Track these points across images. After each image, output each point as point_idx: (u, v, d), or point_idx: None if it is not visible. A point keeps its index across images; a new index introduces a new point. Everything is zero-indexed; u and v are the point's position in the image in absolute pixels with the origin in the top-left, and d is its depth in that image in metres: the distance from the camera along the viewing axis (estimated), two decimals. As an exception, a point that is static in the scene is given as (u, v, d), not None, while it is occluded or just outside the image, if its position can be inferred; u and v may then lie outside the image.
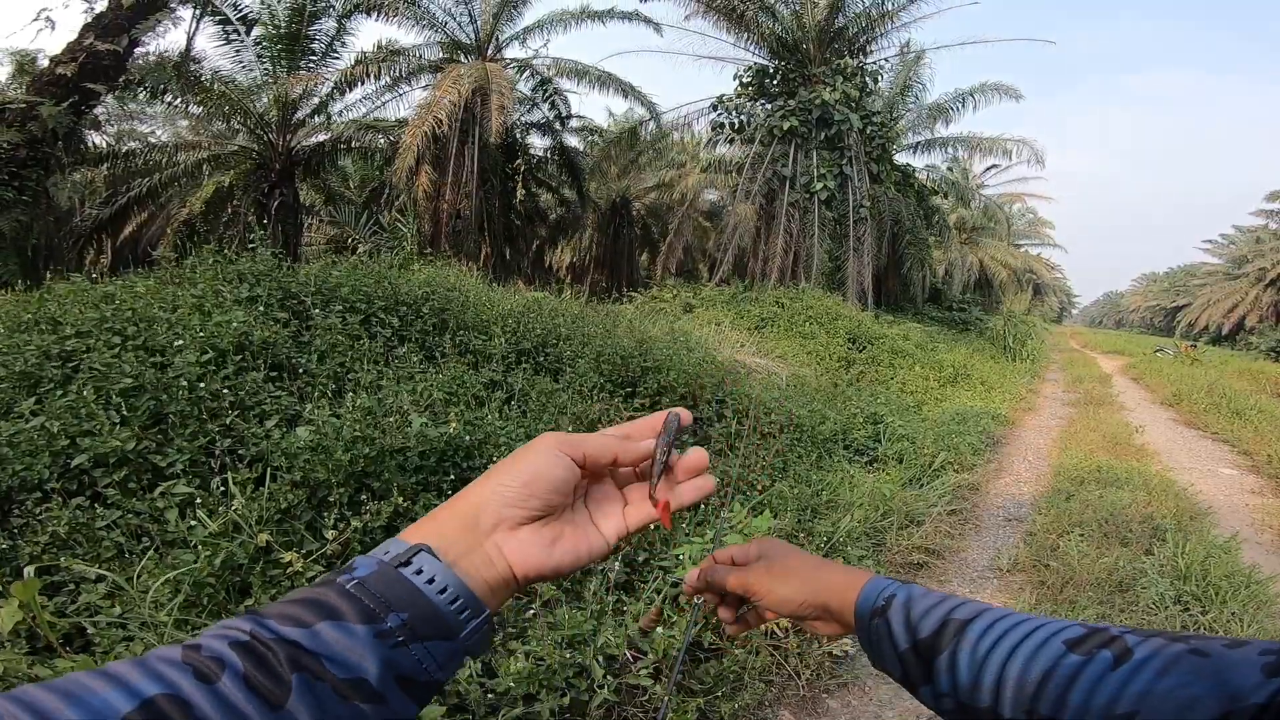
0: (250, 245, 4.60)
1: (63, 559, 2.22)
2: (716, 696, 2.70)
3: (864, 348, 11.71)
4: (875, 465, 6.07)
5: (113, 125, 16.60)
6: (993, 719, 0.52)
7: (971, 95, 18.74)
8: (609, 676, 2.50)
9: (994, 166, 29.87)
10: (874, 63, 17.35)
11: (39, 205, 10.79)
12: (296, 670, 0.37)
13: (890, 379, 10.36)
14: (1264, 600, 3.78)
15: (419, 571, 0.43)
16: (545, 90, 17.22)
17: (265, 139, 14.62)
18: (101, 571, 2.07)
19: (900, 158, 19.53)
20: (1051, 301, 58.25)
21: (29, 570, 1.60)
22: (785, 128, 15.64)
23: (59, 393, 2.87)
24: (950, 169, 24.97)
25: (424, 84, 15.73)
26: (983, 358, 15.23)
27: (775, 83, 16.70)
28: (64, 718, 0.30)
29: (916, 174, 19.96)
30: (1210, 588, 3.87)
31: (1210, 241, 53.14)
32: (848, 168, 15.83)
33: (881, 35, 16.70)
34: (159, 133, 18.61)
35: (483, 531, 0.47)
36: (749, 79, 16.87)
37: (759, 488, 4.34)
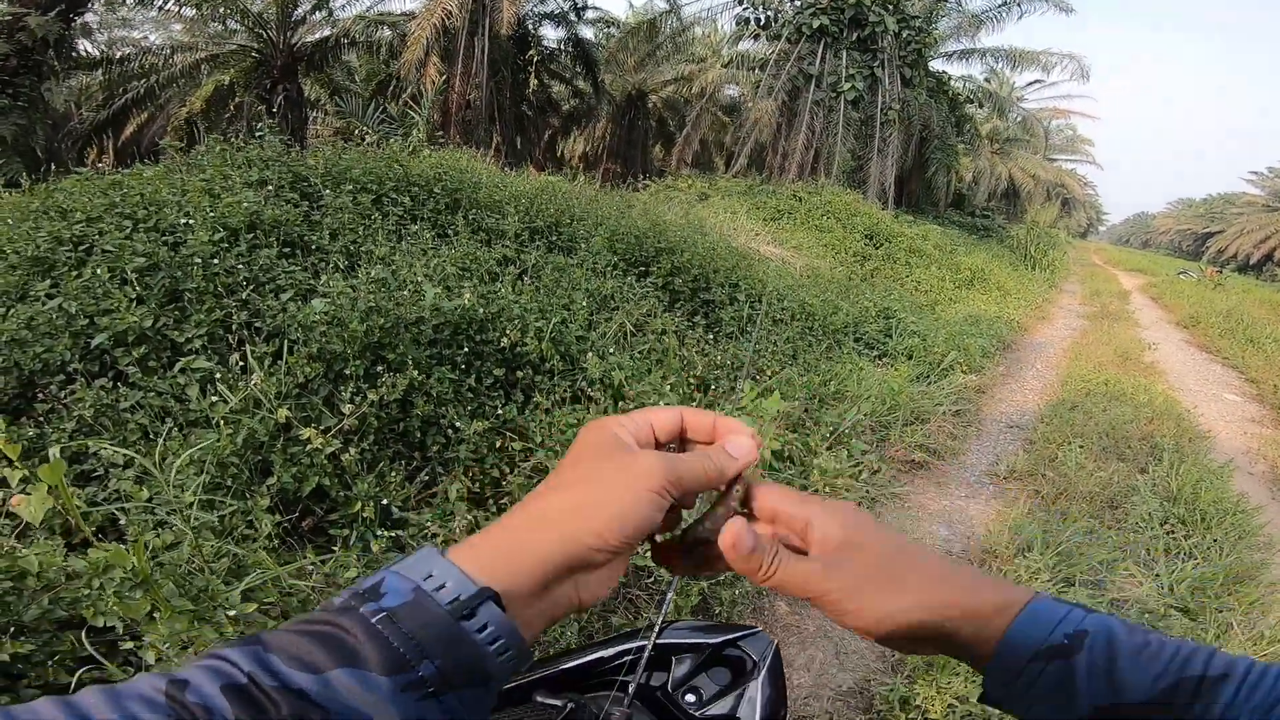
0: (258, 134, 4.50)
1: (91, 443, 2.23)
2: (718, 583, 2.84)
3: (881, 245, 11.53)
4: (884, 360, 6.11)
5: (103, 33, 16.02)
6: None
7: (1018, 4, 17.41)
8: (617, 555, 2.61)
9: (1037, 81, 28.38)
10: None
11: (36, 110, 10.83)
12: None
13: (905, 277, 10.26)
14: (1246, 530, 3.83)
15: (483, 628, 0.37)
16: (561, -21, 16.15)
17: (265, 37, 14.16)
18: (129, 454, 2.09)
19: (937, 65, 18.46)
20: (1079, 217, 56.37)
21: (54, 452, 1.60)
22: (815, 26, 14.84)
23: (74, 274, 2.89)
24: (989, 80, 23.58)
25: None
26: (1001, 264, 14.97)
27: (807, -21, 15.57)
28: None
29: (952, 82, 18.91)
30: (1197, 512, 3.93)
31: (1256, 173, 50.98)
32: (879, 70, 15.08)
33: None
34: (151, 37, 17.89)
35: (567, 573, 0.41)
36: (780, -26, 15.77)
37: (769, 372, 4.38)
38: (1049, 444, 4.94)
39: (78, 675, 1.68)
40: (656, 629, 1.06)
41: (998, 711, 2.22)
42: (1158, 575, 3.32)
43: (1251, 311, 13.52)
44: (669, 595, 1.20)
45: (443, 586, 0.37)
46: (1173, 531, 3.81)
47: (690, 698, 1.04)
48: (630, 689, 0.96)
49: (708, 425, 0.50)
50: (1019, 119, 28.14)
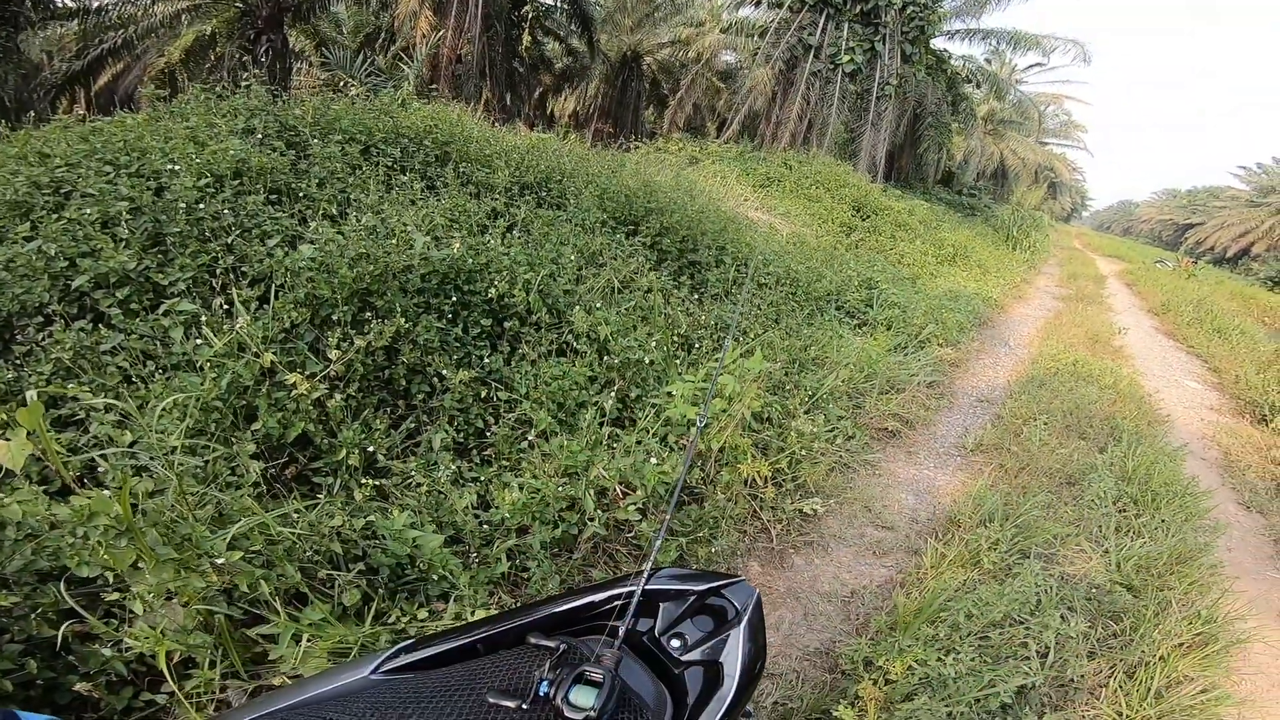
0: (245, 84, 4.38)
1: (69, 387, 2.20)
2: (695, 539, 2.91)
3: (867, 217, 11.58)
4: (864, 329, 6.21)
5: None
6: None
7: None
8: (599, 510, 2.68)
9: (1038, 65, 28.19)
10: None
11: (10, 60, 10.49)
12: None
13: (890, 249, 10.33)
14: (1193, 513, 3.96)
15: None
16: (560, -64, 15.64)
17: (249, -14, 13.49)
18: (109, 401, 2.07)
19: (940, 43, 18.29)
20: (1064, 201, 56.71)
21: (31, 394, 1.55)
22: (818, -3, 14.54)
23: (53, 218, 2.83)
24: (989, 60, 23.40)
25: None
26: (984, 243, 15.09)
27: (811, -51, 15.23)
28: None
29: (952, 61, 18.77)
30: (1149, 493, 4.04)
31: (1244, 168, 51.17)
32: (880, 44, 14.93)
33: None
34: None
35: None
36: (784, -59, 15.38)
37: (752, 334, 4.44)
38: (1016, 419, 5.06)
39: (62, 629, 1.69)
40: (645, 575, 1.12)
41: (954, 665, 2.35)
42: (1107, 552, 3.43)
43: (1221, 303, 13.80)
44: (656, 543, 1.26)
45: None
46: (1125, 510, 3.92)
47: (675, 643, 1.10)
48: (620, 633, 1.01)
49: None
50: (1015, 101, 28.08)
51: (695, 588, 1.17)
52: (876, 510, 3.68)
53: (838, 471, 3.92)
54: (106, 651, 1.73)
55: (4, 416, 1.50)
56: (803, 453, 3.66)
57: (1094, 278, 16.79)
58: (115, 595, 1.77)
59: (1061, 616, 2.83)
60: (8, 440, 1.54)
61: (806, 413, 4.04)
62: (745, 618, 1.12)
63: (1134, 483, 4.16)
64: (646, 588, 1.13)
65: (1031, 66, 29.29)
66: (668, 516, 1.39)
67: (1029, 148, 34.74)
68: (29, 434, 1.54)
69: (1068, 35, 18.40)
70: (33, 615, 1.72)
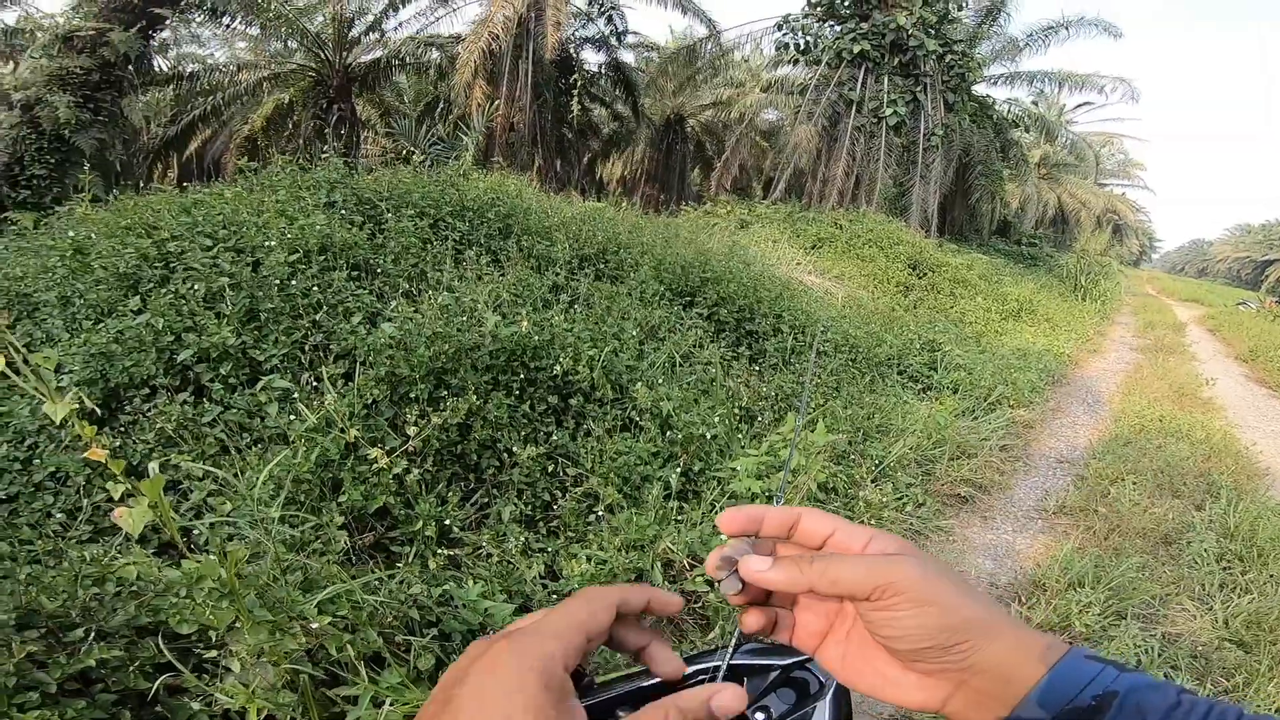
0: (323, 154, 4.74)
1: (171, 456, 2.34)
2: (765, 610, 2.85)
3: (924, 275, 11.38)
4: (929, 393, 6.03)
5: (172, 49, 16.97)
6: None
7: (1065, 27, 17.28)
8: (666, 582, 2.66)
9: (1086, 104, 27.84)
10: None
11: (116, 125, 11.34)
12: None
13: (950, 308, 10.09)
14: None
15: None
16: (602, 5, 16.59)
17: (322, 57, 14.79)
18: (211, 469, 2.20)
19: (982, 89, 18.33)
20: (1131, 244, 54.68)
21: (153, 468, 1.71)
22: (856, 51, 14.82)
23: (161, 291, 3.07)
24: (1035, 103, 23.26)
25: (478, -1, 15.34)
26: (1050, 295, 14.62)
27: (846, 4, 15.64)
28: None
29: (996, 105, 18.73)
30: (1255, 548, 3.83)
31: None
32: (921, 95, 14.99)
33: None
34: (216, 54, 18.92)
35: None
36: None
37: (813, 405, 4.39)
38: (1101, 480, 4.83)
39: (158, 683, 1.75)
40: (731, 648, 1.10)
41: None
42: (1212, 609, 3.26)
43: (1314, 345, 12.93)
44: (739, 615, 1.24)
45: None
46: (1229, 567, 3.73)
47: (760, 716, 1.08)
48: None
49: (643, 600, 0.48)
50: (1068, 143, 27.69)
51: (779, 661, 1.15)
52: (953, 578, 3.53)
53: (909, 538, 3.78)
54: (195, 705, 1.79)
55: (127, 486, 1.62)
56: (871, 522, 3.56)
57: (1172, 325, 16.01)
58: (211, 653, 1.85)
59: (1165, 675, 2.69)
60: (130, 508, 1.67)
61: (873, 482, 3.95)
62: (830, 691, 1.10)
63: (1237, 539, 3.94)
64: (731, 662, 1.12)
65: (1080, 106, 28.86)
66: (733, 647, 1.37)
67: (1088, 190, 33.87)
68: (150, 504, 1.66)
69: (1113, 73, 18.26)
70: (130, 667, 1.79)
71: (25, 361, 1.51)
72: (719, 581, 0.49)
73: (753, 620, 0.51)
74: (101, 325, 2.93)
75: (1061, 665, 0.41)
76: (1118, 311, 17.84)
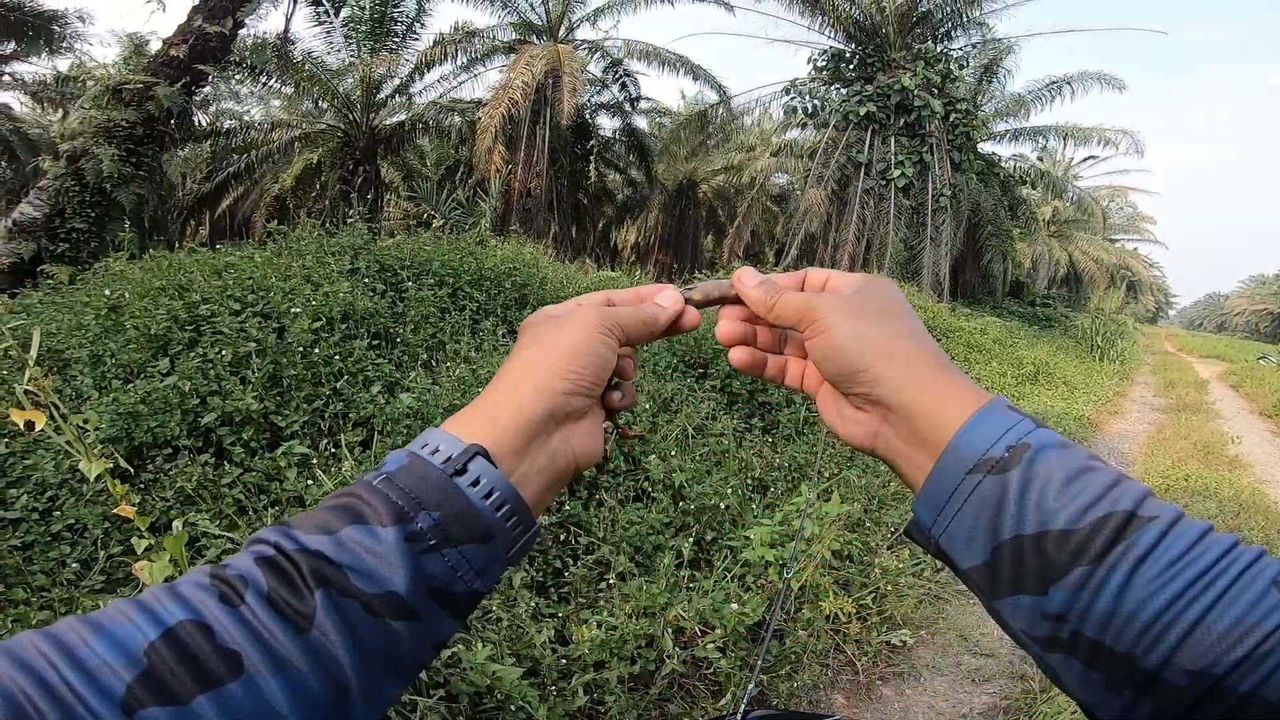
0: (349, 219, 4.94)
1: (190, 514, 2.39)
2: (776, 675, 2.80)
3: (939, 340, 11.25)
4: (946, 460, 5.95)
5: (212, 105, 17.75)
6: (1126, 668, 0.34)
7: (1068, 84, 17.73)
8: (677, 648, 2.63)
9: (1091, 158, 28.26)
10: (960, 49, 16.56)
11: (154, 180, 11.57)
12: (321, 586, 0.34)
13: (966, 373, 10.03)
14: None
15: (475, 482, 0.39)
16: (615, 72, 17.35)
17: (350, 118, 15.39)
18: (226, 532, 2.26)
19: (988, 146, 18.68)
20: (1147, 301, 54.46)
21: (177, 525, 1.76)
22: (862, 113, 15.21)
23: (190, 354, 3.19)
24: (1041, 159, 23.66)
25: (498, 65, 16.18)
26: (1067, 357, 14.49)
27: (851, 67, 16.20)
28: (86, 651, 0.29)
29: (1003, 163, 19.06)
30: None
31: None
32: (928, 155, 15.23)
33: (968, 21, 15.94)
34: (252, 112, 19.88)
35: (554, 424, 0.44)
36: (824, 63, 16.42)
37: (826, 475, 4.37)
38: (1127, 543, 4.71)
39: None
40: (740, 715, 1.10)
41: None
42: None
43: (1339, 397, 12.64)
44: (753, 679, 1.24)
45: (436, 450, 0.39)
46: None
47: None
48: None
49: (636, 294, 0.53)
50: (1075, 198, 27.99)
51: None
52: (974, 638, 3.43)
53: (928, 603, 3.71)
54: None
55: (150, 541, 1.67)
56: (888, 588, 3.49)
57: (1194, 383, 15.75)
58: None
59: None
60: (151, 562, 1.71)
61: (889, 548, 3.89)
62: None
63: None
64: None
65: (1086, 160, 29.18)
66: (760, 659, 1.37)
67: (1099, 246, 33.97)
68: (171, 560, 1.70)
69: (1117, 126, 18.53)
70: None
71: (65, 420, 1.59)
72: (689, 292, 0.54)
73: (738, 355, 0.53)
74: (131, 385, 3.04)
75: (983, 412, 0.41)
76: (1137, 371, 17.62)
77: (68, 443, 1.58)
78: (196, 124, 15.66)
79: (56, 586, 2.15)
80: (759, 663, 1.35)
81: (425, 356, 3.69)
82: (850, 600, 3.24)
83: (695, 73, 16.76)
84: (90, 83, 10.89)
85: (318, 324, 3.44)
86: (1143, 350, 24.04)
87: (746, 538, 3.16)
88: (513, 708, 2.21)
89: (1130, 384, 14.85)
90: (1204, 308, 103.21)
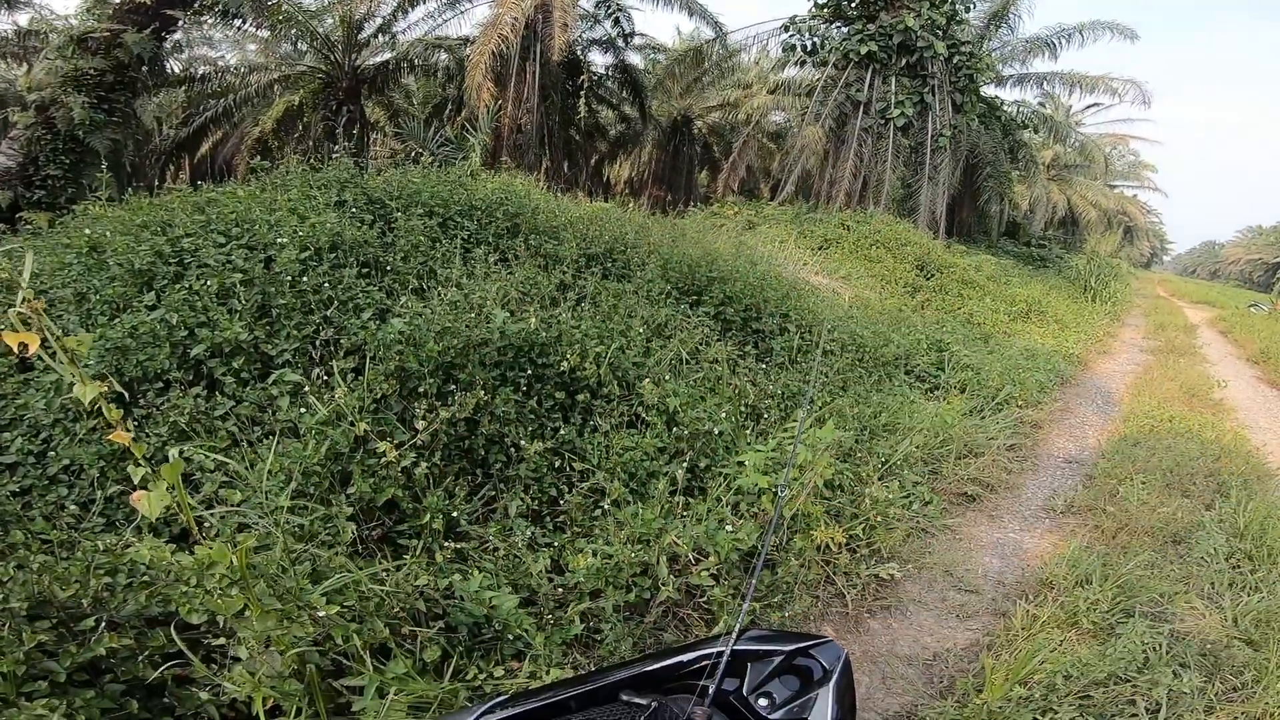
0: (335, 154, 4.79)
1: (185, 448, 2.36)
2: (769, 604, 2.86)
3: (932, 276, 11.36)
4: (936, 393, 6.02)
5: (184, 52, 17.13)
6: None
7: (1079, 31, 17.19)
8: (672, 576, 2.67)
9: (1095, 105, 27.64)
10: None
11: (128, 126, 11.40)
12: None
13: (958, 309, 10.06)
14: None
15: None
16: (609, 7, 16.63)
17: (332, 59, 14.87)
18: (222, 458, 2.24)
19: (990, 90, 18.21)
20: (1142, 246, 54.23)
21: (173, 453, 1.73)
22: (863, 52, 14.80)
23: (175, 288, 3.11)
24: (1043, 104, 23.12)
25: (486, 0, 15.43)
26: (1060, 296, 14.53)
27: (854, 5, 15.62)
28: None
29: (1005, 107, 18.64)
30: (1265, 548, 3.83)
31: None
32: (929, 96, 14.93)
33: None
34: (227, 57, 19.09)
35: None
36: (825, 0, 15.84)
37: (819, 403, 4.40)
38: (1110, 479, 4.80)
39: (162, 669, 1.78)
40: (734, 635, 1.12)
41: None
42: (1221, 608, 3.26)
43: (1327, 346, 12.78)
44: (745, 605, 1.26)
45: None
46: (1238, 566, 3.72)
47: (763, 702, 1.10)
48: (711, 691, 1.03)
49: None
50: (1077, 144, 27.49)
51: (783, 648, 1.18)
52: (958, 574, 3.53)
53: (915, 537, 3.79)
54: (203, 695, 1.80)
55: (146, 471, 1.64)
56: (877, 519, 3.56)
57: (1183, 327, 15.88)
58: (220, 641, 1.86)
59: (1174, 673, 2.69)
60: (148, 491, 1.69)
61: (880, 479, 3.95)
62: (834, 678, 1.12)
63: (1247, 538, 3.94)
64: (734, 648, 1.15)
65: (1090, 107, 28.60)
66: (753, 580, 1.40)
67: (1098, 192, 33.63)
68: (168, 488, 1.67)
69: (1125, 76, 18.11)
70: (139, 657, 1.81)
71: (60, 345, 1.55)
72: None
73: None
74: (117, 320, 2.98)
75: None
76: (1128, 313, 17.71)
77: (61, 366, 1.53)
78: (170, 70, 15.17)
79: (56, 530, 2.15)
80: (750, 589, 1.37)
81: (416, 283, 3.63)
82: (840, 530, 3.30)
83: (691, 8, 16.17)
84: (53, 35, 10.65)
85: (305, 254, 3.36)
86: (1135, 294, 24.10)
87: (740, 464, 3.19)
88: (510, 637, 2.24)
89: (1121, 325, 14.95)
90: (1199, 255, 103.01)
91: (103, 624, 1.81)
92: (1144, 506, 4.28)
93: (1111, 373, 9.43)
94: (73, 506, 2.41)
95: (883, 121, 15.11)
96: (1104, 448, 5.66)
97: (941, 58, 14.65)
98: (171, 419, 2.61)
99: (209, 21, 13.42)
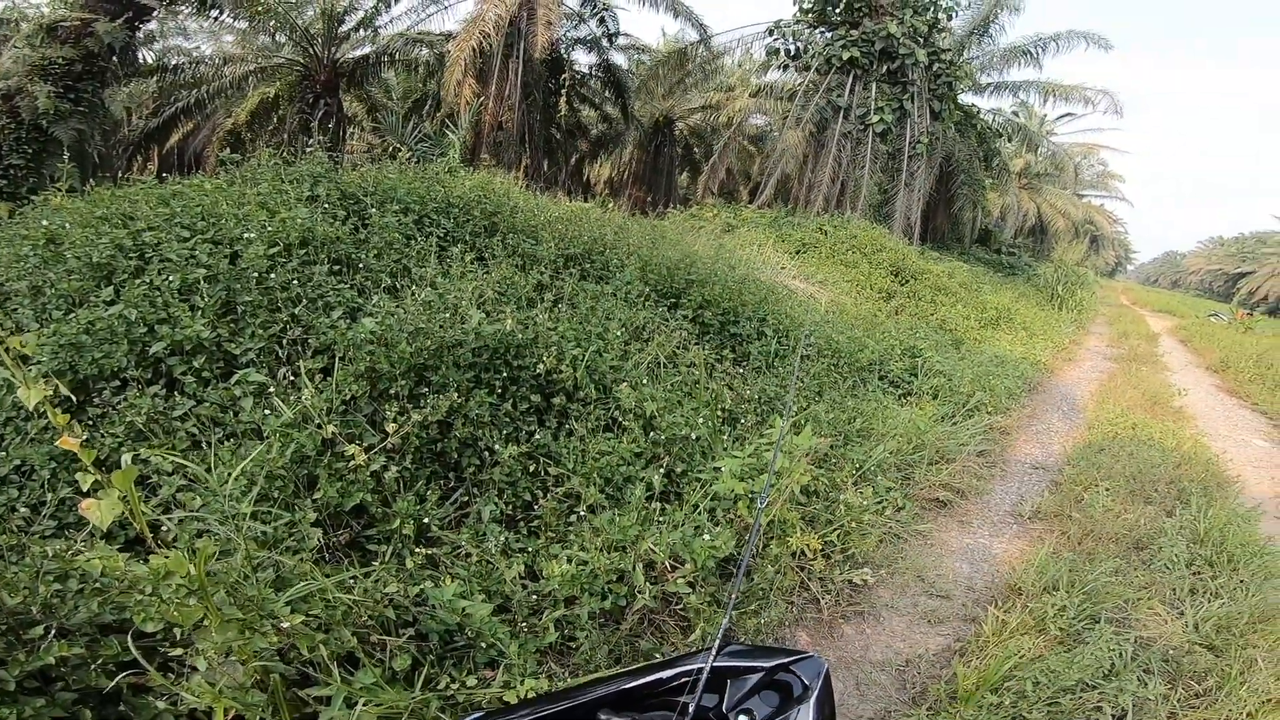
0: (308, 148, 4.67)
1: (141, 450, 2.26)
2: (744, 611, 2.86)
3: (906, 282, 11.50)
4: (909, 398, 6.09)
5: (158, 42, 16.71)
6: None
7: (1054, 41, 17.57)
8: (648, 583, 2.64)
9: (1068, 115, 28.28)
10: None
11: (95, 116, 11.15)
12: None
13: (931, 314, 10.21)
14: (1272, 572, 3.81)
15: None
16: (594, 6, 16.59)
17: (311, 52, 14.60)
18: (181, 461, 2.13)
19: (968, 98, 18.53)
20: (1107, 255, 55.71)
21: (126, 459, 1.65)
22: (845, 58, 14.98)
23: (135, 282, 2.99)
24: (1017, 113, 23.59)
25: (469, -4, 15.30)
26: (1028, 303, 14.85)
27: (838, 10, 15.79)
28: None
29: (981, 115, 18.99)
30: (1224, 554, 3.93)
31: None
32: (908, 103, 15.15)
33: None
34: (203, 48, 18.63)
35: None
36: (810, 5, 16.01)
37: (795, 408, 4.41)
38: (1076, 485, 4.91)
39: (117, 679, 1.70)
40: (714, 651, 1.11)
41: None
42: (1183, 614, 3.33)
43: (1282, 356, 13.23)
44: (724, 622, 1.24)
45: None
46: (1199, 573, 3.81)
47: (743, 719, 1.08)
48: (691, 709, 1.01)
49: None
50: (1049, 154, 28.09)
51: (763, 664, 1.16)
52: (930, 579, 3.58)
53: (888, 542, 3.83)
54: (160, 704, 1.75)
55: (97, 478, 1.57)
56: (851, 525, 3.58)
57: (1146, 336, 16.32)
58: (177, 651, 1.79)
59: (1139, 679, 2.76)
60: (98, 499, 1.61)
61: (854, 485, 3.97)
62: (814, 694, 1.11)
63: (1208, 545, 4.04)
64: (714, 664, 1.13)
65: (1062, 117, 29.28)
66: (733, 594, 1.38)
67: (1067, 201, 34.44)
68: (120, 496, 1.60)
69: (1098, 86, 18.55)
70: (92, 665, 1.74)
71: (0, 343, 1.46)
72: None
73: None
74: (72, 315, 2.85)
75: None
76: (1093, 321, 18.17)
77: (10, 373, 1.45)
78: (142, 60, 14.76)
79: (5, 533, 2.05)
80: (732, 598, 1.35)
81: (389, 282, 3.54)
82: (816, 536, 3.31)
83: (676, 9, 16.20)
84: (24, 24, 10.38)
85: (274, 250, 3.26)
86: (1100, 302, 24.74)
87: (717, 469, 3.18)
88: (483, 645, 2.19)
89: (1086, 333, 15.32)
90: (1161, 265, 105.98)
91: (52, 632, 1.74)
92: (1108, 513, 4.37)
93: (1077, 380, 9.64)
94: (23, 509, 2.30)
95: (862, 127, 15.30)
96: (1069, 454, 5.78)
97: (922, 65, 14.88)
98: (128, 419, 2.50)
99: (185, 11, 13.08)
